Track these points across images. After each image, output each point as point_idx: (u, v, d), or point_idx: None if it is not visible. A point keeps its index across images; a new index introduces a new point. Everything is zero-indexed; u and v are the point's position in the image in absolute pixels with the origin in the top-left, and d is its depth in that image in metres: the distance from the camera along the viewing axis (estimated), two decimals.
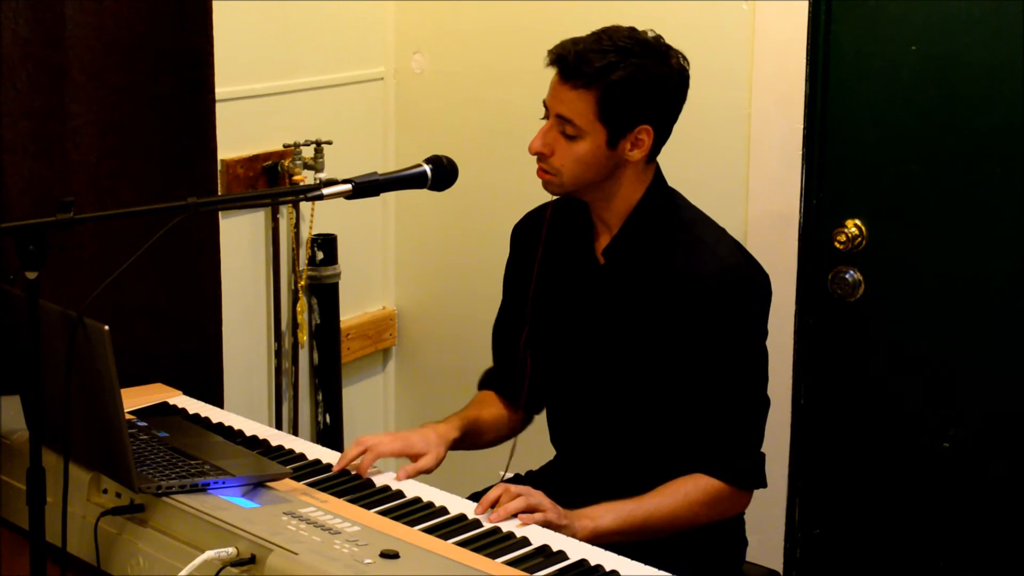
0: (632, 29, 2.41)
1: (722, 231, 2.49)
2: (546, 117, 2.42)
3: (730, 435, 2.41)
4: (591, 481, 2.54)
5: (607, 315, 2.49)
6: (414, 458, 2.43)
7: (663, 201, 2.48)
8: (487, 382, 2.73)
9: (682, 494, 2.38)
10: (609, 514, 2.32)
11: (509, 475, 2.66)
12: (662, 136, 2.44)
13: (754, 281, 2.44)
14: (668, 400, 2.45)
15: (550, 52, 2.40)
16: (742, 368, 2.43)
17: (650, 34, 2.41)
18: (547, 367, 2.62)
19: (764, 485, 2.47)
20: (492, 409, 2.67)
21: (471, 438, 2.59)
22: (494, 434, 2.66)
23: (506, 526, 2.19)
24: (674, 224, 2.47)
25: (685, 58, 2.43)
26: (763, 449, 2.49)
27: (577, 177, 2.41)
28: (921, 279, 3.00)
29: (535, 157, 2.43)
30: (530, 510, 2.22)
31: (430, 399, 3.76)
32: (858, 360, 3.12)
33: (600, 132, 2.37)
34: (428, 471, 2.43)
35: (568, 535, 2.22)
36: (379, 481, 2.35)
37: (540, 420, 2.71)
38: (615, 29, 2.40)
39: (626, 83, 2.34)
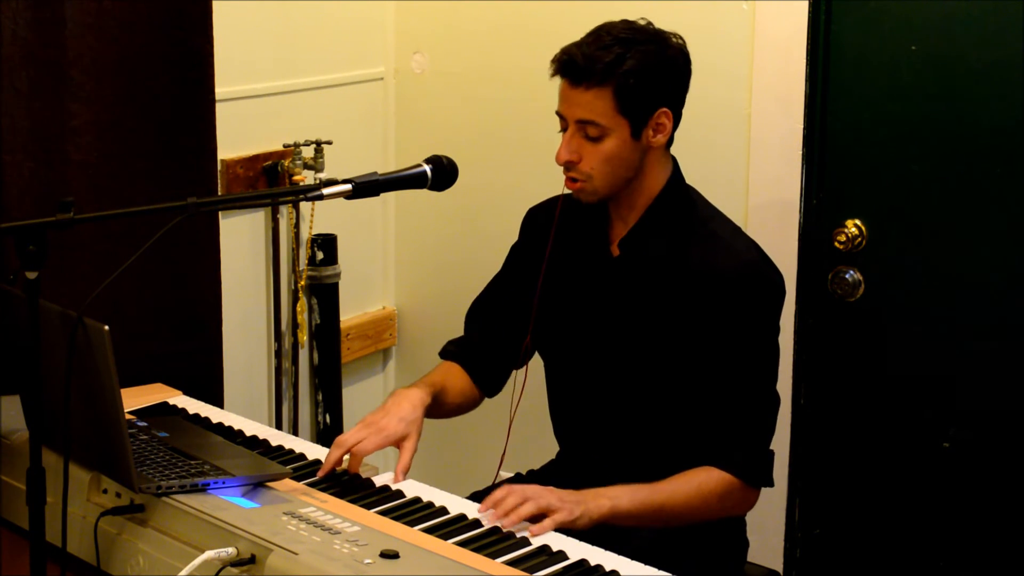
0: (625, 21, 2.42)
1: (738, 228, 2.51)
2: (563, 129, 2.42)
3: (741, 431, 2.42)
4: (596, 478, 2.53)
5: (620, 307, 2.49)
6: (396, 444, 2.38)
7: (680, 196, 2.49)
8: (453, 354, 2.68)
9: (696, 484, 2.38)
10: (626, 495, 2.32)
11: (509, 474, 2.66)
12: (678, 119, 2.46)
13: (769, 278, 2.45)
14: (679, 395, 2.45)
15: (554, 62, 2.39)
16: (754, 364, 2.43)
17: (642, 22, 2.43)
18: (555, 358, 2.62)
19: (771, 484, 2.47)
20: (458, 382, 2.63)
21: (436, 407, 2.53)
22: (456, 406, 2.62)
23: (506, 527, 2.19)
24: (691, 219, 2.47)
25: (681, 37, 2.45)
26: None
27: (608, 177, 2.41)
28: (921, 279, 3.00)
29: (562, 167, 2.42)
30: (541, 513, 2.20)
31: None
32: (858, 360, 3.12)
33: (623, 125, 2.37)
34: (414, 452, 2.38)
35: (583, 524, 2.22)
36: (379, 481, 2.35)
37: (541, 418, 2.71)
38: (609, 24, 2.41)
39: (638, 71, 2.35)
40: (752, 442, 2.43)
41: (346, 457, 2.35)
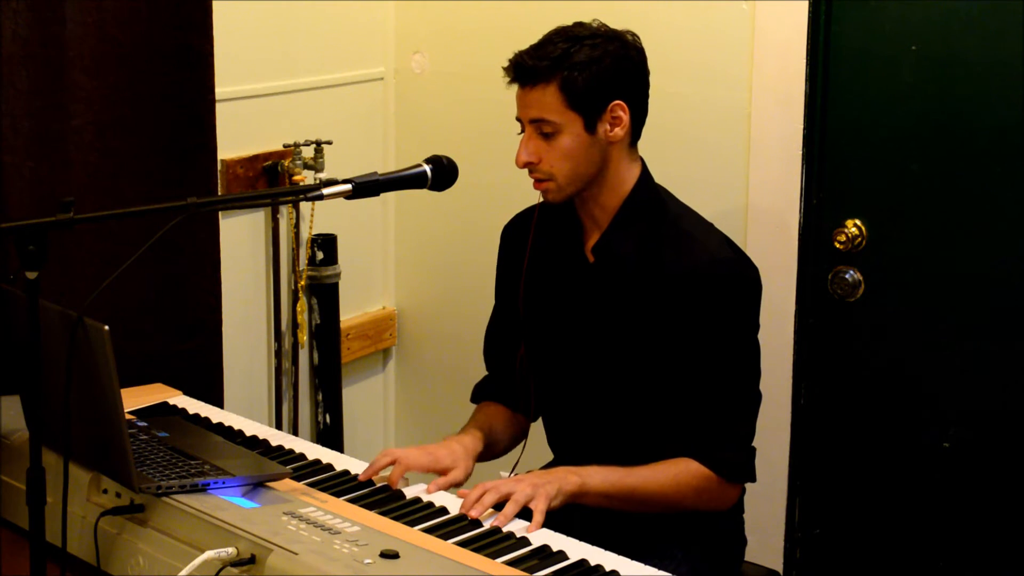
0: (578, 23, 2.44)
1: (710, 225, 2.50)
2: (523, 131, 2.44)
3: (719, 427, 2.42)
4: None
5: (598, 314, 2.49)
6: (441, 473, 2.40)
7: (650, 196, 2.49)
8: (484, 394, 2.71)
9: (672, 474, 2.39)
10: (598, 474, 2.35)
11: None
12: (639, 113, 2.45)
13: (744, 275, 2.45)
14: (663, 397, 2.45)
15: (506, 69, 2.42)
16: (732, 361, 2.43)
17: (594, 23, 2.44)
18: (541, 369, 2.62)
19: (752, 480, 2.48)
20: (500, 418, 2.65)
21: (489, 448, 2.58)
22: (507, 443, 2.66)
23: (507, 526, 2.19)
24: (662, 219, 2.47)
25: (635, 34, 2.45)
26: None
27: (570, 174, 2.41)
28: (921, 279, 3.00)
29: (526, 170, 2.44)
30: (503, 499, 2.23)
31: (430, 399, 3.76)
32: (858, 360, 3.12)
33: (575, 120, 2.38)
34: (459, 485, 2.41)
35: (558, 504, 2.26)
36: (379, 482, 2.35)
37: (540, 422, 2.71)
38: (560, 28, 2.44)
39: (584, 65, 2.36)
40: (730, 439, 2.43)
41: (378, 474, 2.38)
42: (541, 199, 2.52)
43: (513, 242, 2.65)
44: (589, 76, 2.36)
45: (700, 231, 2.47)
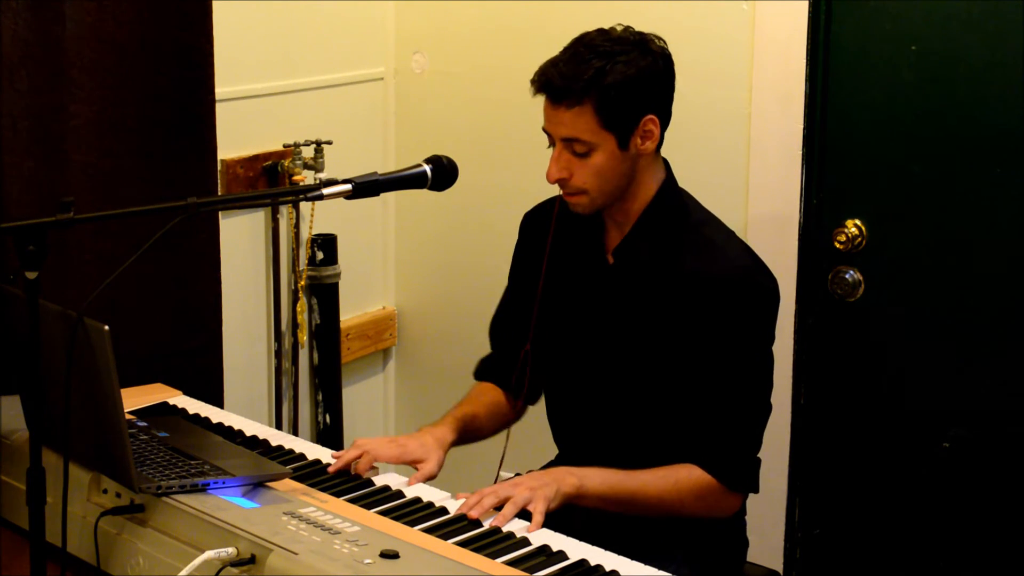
0: (601, 30, 2.41)
1: (731, 233, 2.49)
2: (551, 145, 2.42)
3: (725, 434, 2.41)
4: None
5: (615, 315, 2.49)
6: (412, 464, 2.43)
7: (674, 201, 2.48)
8: (484, 372, 2.72)
9: (673, 480, 2.38)
10: (597, 477, 2.35)
11: (509, 474, 2.66)
12: (665, 122, 2.44)
13: (763, 285, 2.44)
14: (673, 400, 2.45)
15: (533, 82, 2.39)
16: (744, 369, 2.42)
17: (619, 28, 2.42)
18: (552, 364, 2.62)
19: (755, 490, 2.47)
20: (489, 402, 2.65)
21: (469, 435, 2.59)
22: (492, 427, 2.66)
23: (506, 526, 2.19)
24: (684, 225, 2.47)
25: (661, 39, 2.43)
26: (763, 448, 2.48)
27: (602, 189, 2.40)
28: (921, 279, 3.00)
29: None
30: (502, 503, 2.23)
31: (430, 399, 3.75)
32: (858, 360, 3.12)
33: (609, 139, 2.37)
34: (432, 477, 2.42)
35: (556, 505, 2.25)
36: (379, 481, 2.35)
37: (541, 419, 2.71)
38: (585, 37, 2.40)
39: (618, 85, 2.34)
40: (736, 447, 2.42)
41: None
42: (549, 194, 2.51)
43: (533, 233, 2.64)
44: (623, 96, 2.34)
45: (721, 238, 2.46)
